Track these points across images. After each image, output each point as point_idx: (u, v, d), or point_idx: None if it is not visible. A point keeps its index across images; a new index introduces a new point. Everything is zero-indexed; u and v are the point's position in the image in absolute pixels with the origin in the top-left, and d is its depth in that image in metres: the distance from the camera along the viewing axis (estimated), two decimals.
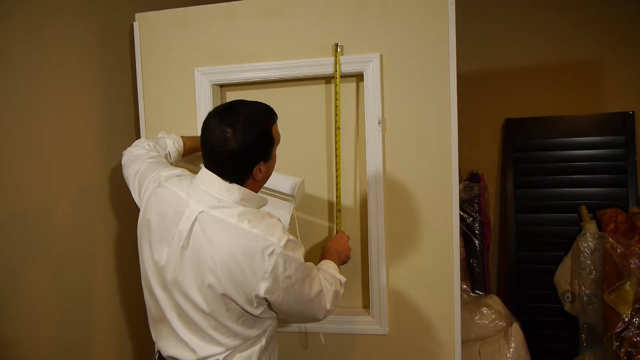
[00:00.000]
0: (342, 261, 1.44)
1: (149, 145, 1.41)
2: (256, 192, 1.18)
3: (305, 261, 1.15)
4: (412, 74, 1.56)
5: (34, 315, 1.38)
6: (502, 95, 2.79)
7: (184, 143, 1.51)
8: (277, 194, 1.49)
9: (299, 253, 1.11)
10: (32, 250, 1.38)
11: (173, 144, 1.47)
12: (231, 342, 1.13)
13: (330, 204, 1.68)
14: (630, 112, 2.46)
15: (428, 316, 1.60)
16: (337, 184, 1.59)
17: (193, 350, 1.14)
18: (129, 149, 1.41)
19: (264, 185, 1.35)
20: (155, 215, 1.16)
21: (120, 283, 1.76)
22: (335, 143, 1.58)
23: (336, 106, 1.58)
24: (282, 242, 1.06)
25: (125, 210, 1.75)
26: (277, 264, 1.06)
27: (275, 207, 1.47)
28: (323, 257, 1.40)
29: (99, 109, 1.66)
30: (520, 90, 2.75)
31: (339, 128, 1.58)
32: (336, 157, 1.58)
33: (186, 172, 1.25)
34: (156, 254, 1.15)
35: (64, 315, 1.49)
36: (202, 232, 1.08)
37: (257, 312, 1.11)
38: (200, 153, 1.25)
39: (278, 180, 1.47)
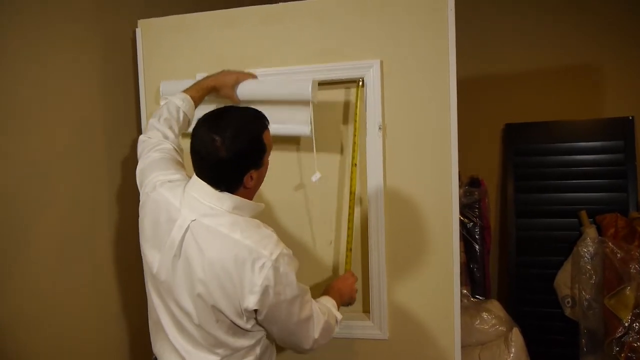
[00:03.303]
0: (344, 302, 1.39)
1: (162, 125, 1.34)
2: (250, 199, 1.15)
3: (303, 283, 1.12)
4: (412, 79, 1.56)
5: (33, 315, 1.38)
6: (502, 100, 2.79)
7: (191, 97, 1.43)
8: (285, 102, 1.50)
9: (292, 268, 1.08)
10: (32, 250, 1.38)
11: (182, 102, 1.40)
12: (222, 351, 1.11)
13: (337, 216, 1.67)
14: (630, 117, 2.47)
15: (428, 321, 1.60)
16: (349, 222, 1.54)
17: (183, 358, 1.13)
18: (142, 137, 1.35)
19: (277, 98, 1.36)
20: (148, 221, 1.15)
21: (121, 285, 1.76)
22: (351, 180, 1.56)
23: (354, 142, 1.56)
24: (274, 256, 1.04)
25: (126, 211, 1.76)
26: (268, 278, 1.03)
27: (289, 110, 1.48)
28: (324, 294, 1.35)
29: (101, 113, 1.67)
30: (520, 95, 2.76)
31: (356, 165, 1.56)
32: (351, 194, 1.55)
33: (183, 175, 1.23)
34: (149, 260, 1.15)
35: (64, 316, 1.49)
36: (194, 241, 1.06)
37: (248, 326, 1.09)
38: None
39: (284, 87, 1.48)
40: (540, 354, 2.39)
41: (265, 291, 1.03)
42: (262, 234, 1.08)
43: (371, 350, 1.64)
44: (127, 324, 1.79)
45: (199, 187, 1.10)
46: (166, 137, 1.33)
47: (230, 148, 1.04)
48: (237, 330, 1.10)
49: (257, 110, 1.16)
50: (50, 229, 1.45)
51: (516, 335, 2.22)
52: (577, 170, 2.50)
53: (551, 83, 2.70)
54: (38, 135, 1.41)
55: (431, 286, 1.58)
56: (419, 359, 1.61)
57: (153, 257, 1.13)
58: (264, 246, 1.04)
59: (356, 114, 1.57)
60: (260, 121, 1.14)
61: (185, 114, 1.41)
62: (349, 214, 1.56)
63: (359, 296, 1.69)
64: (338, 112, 1.66)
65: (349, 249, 1.55)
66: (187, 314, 1.10)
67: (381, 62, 1.56)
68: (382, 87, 1.57)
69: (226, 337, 1.10)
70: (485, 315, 2.33)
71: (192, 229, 1.07)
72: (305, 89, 1.44)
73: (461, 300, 2.15)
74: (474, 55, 2.76)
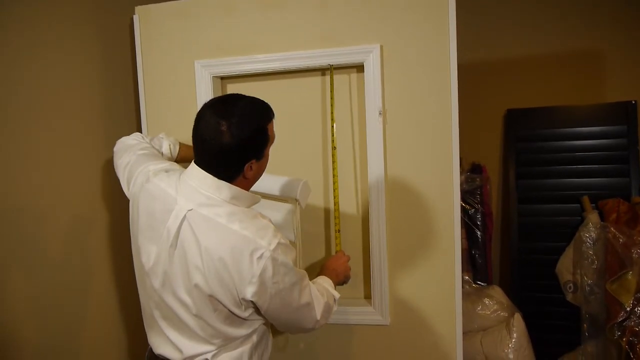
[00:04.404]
0: (340, 281, 1.40)
1: (143, 138, 1.40)
2: (247, 190, 1.14)
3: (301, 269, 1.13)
4: (412, 64, 1.55)
5: (31, 313, 1.38)
6: (503, 85, 2.77)
7: (179, 149, 1.47)
8: (274, 197, 1.47)
9: (290, 258, 1.08)
10: (31, 250, 1.37)
11: (169, 147, 1.44)
12: (220, 341, 1.12)
13: (326, 208, 1.68)
14: (633, 102, 2.44)
15: (430, 307, 1.60)
16: (335, 204, 1.55)
17: (179, 350, 1.13)
18: (123, 138, 1.39)
19: (261, 190, 1.32)
20: (143, 212, 1.14)
21: (119, 282, 1.76)
22: (333, 163, 1.56)
23: (332, 126, 1.58)
24: (272, 246, 1.03)
25: (124, 208, 1.75)
26: (266, 268, 1.03)
27: (271, 210, 1.44)
28: (320, 274, 1.36)
29: (99, 102, 1.67)
30: (521, 81, 2.74)
31: (335, 148, 1.57)
32: (333, 177, 1.56)
33: (175, 165, 1.22)
34: (144, 255, 1.13)
35: (64, 315, 1.49)
36: (191, 231, 1.05)
37: (245, 314, 1.09)
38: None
39: (276, 182, 1.44)
40: (541, 339, 2.40)
41: (263, 281, 1.03)
42: (259, 224, 1.07)
43: (372, 336, 1.65)
44: (125, 320, 1.80)
45: (198, 176, 1.08)
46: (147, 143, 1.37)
47: (236, 134, 1.02)
48: (235, 319, 1.10)
49: (264, 101, 1.13)
50: (50, 228, 1.44)
51: (518, 320, 2.23)
52: (579, 156, 2.49)
53: (553, 68, 2.68)
54: (38, 134, 1.40)
55: (433, 272, 1.58)
56: (421, 344, 1.62)
57: (149, 250, 1.12)
58: (261, 237, 1.04)
59: (332, 97, 1.58)
60: (267, 112, 1.12)
61: (162, 156, 1.42)
62: (334, 197, 1.56)
63: (360, 282, 1.70)
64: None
65: (337, 231, 1.56)
66: (185, 305, 1.09)
67: (381, 47, 1.55)
68: (382, 72, 1.56)
69: (224, 327, 1.10)
70: (486, 301, 2.34)
71: (188, 218, 1.06)
72: (294, 189, 1.42)
73: (463, 286, 2.16)
74: (475, 41, 2.73)
